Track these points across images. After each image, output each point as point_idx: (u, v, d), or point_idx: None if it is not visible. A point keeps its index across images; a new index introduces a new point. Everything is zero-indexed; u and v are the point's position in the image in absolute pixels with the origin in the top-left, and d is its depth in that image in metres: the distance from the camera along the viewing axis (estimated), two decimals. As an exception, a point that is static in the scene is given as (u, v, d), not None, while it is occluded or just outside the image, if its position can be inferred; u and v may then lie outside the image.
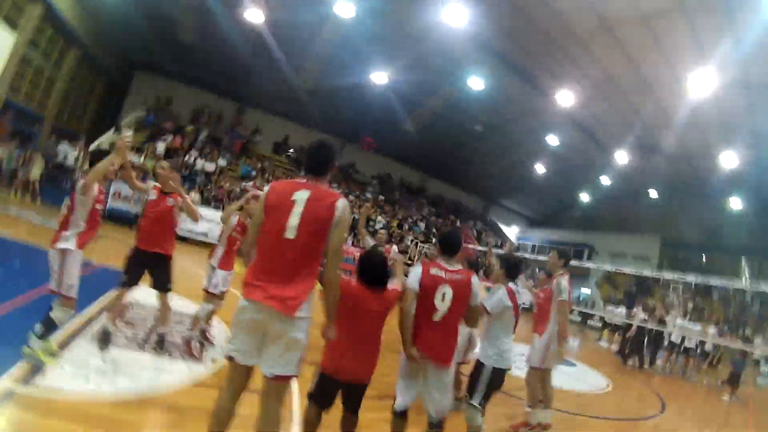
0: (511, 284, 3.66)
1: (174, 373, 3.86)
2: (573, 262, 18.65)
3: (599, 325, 18.83)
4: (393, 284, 3.00)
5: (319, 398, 2.83)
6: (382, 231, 6.97)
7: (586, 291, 26.90)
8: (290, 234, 2.20)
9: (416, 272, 3.03)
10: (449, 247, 3.16)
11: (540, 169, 24.54)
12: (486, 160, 24.85)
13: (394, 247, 7.63)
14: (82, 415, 2.81)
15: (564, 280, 4.49)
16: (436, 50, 15.62)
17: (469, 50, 15.43)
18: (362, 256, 2.95)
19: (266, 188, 2.42)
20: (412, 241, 20.82)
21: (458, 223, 26.48)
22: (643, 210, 25.44)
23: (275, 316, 2.16)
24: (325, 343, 2.72)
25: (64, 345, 3.77)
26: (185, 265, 9.79)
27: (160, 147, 16.93)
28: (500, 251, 12.40)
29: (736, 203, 21.95)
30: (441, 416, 3.06)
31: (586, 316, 21.82)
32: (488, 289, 4.00)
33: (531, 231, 33.34)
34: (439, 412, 3.04)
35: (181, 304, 6.11)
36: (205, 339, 4.76)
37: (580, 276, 26.94)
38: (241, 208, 4.97)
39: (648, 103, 15.34)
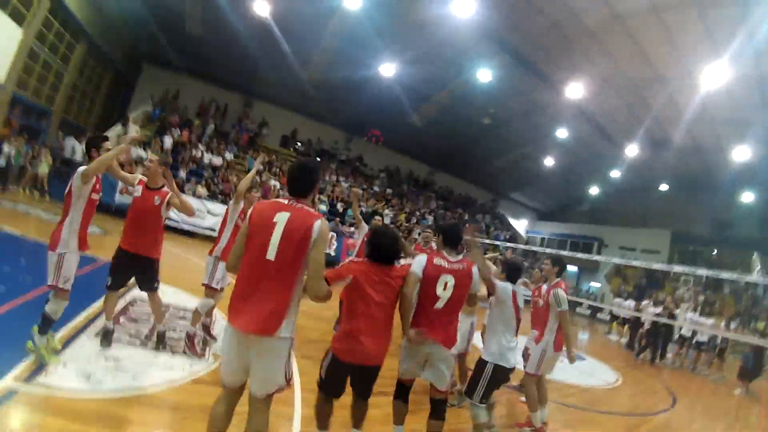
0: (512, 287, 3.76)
1: (175, 370, 3.84)
2: (582, 256, 18.60)
3: (608, 318, 18.68)
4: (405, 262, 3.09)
5: (331, 385, 2.82)
6: (378, 217, 6.91)
7: (595, 284, 26.76)
8: (271, 255, 2.26)
9: (420, 260, 3.09)
10: (452, 239, 3.24)
11: (549, 162, 24.32)
12: (495, 153, 24.66)
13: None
14: (83, 413, 2.82)
15: (561, 291, 4.46)
16: (443, 42, 15.47)
17: (477, 42, 15.26)
18: (373, 233, 2.93)
19: (251, 210, 2.45)
20: (419, 234, 20.72)
21: (466, 217, 26.35)
22: (653, 203, 25.21)
23: (258, 340, 2.23)
24: (337, 329, 2.75)
25: (66, 342, 3.78)
26: (191, 259, 9.84)
27: (168, 141, 16.93)
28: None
29: (747, 197, 21.71)
30: (444, 388, 3.17)
31: (595, 310, 21.67)
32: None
33: (540, 224, 33.15)
34: (442, 385, 3.14)
35: (185, 298, 6.15)
36: (207, 334, 4.74)
37: (589, 269, 26.91)
38: (248, 192, 4.82)
39: (659, 97, 15.12)
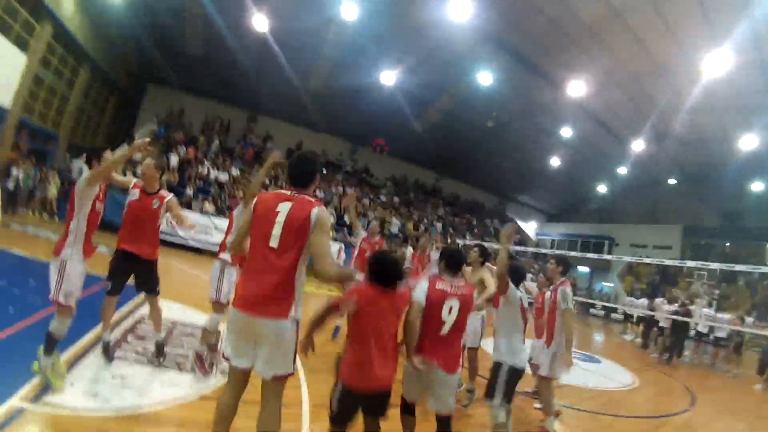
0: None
1: (182, 387, 3.82)
2: (593, 255, 18.39)
3: (621, 317, 18.41)
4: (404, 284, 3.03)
5: (343, 417, 2.76)
6: (374, 223, 6.91)
7: (608, 284, 26.43)
8: (274, 243, 2.39)
9: (422, 287, 3.11)
10: (453, 264, 3.27)
11: (555, 162, 24.16)
12: (500, 156, 24.57)
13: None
14: (89, 431, 2.83)
15: (567, 289, 4.47)
16: (442, 47, 15.50)
17: (476, 45, 15.28)
18: (374, 258, 2.89)
19: (255, 199, 2.57)
20: (427, 241, 20.60)
21: (474, 222, 26.22)
22: (662, 199, 24.93)
23: (264, 323, 2.34)
24: (343, 356, 2.71)
25: (73, 361, 3.76)
26: (199, 275, 9.83)
27: (174, 159, 17.11)
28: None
29: (757, 186, 21.40)
30: (448, 414, 3.15)
31: (609, 310, 21.37)
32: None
33: (550, 226, 32.88)
34: (444, 411, 3.13)
35: (192, 315, 6.12)
36: (214, 352, 4.66)
37: (602, 269, 26.62)
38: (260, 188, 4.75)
39: (662, 89, 15.00)
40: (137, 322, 5.37)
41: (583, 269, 27.95)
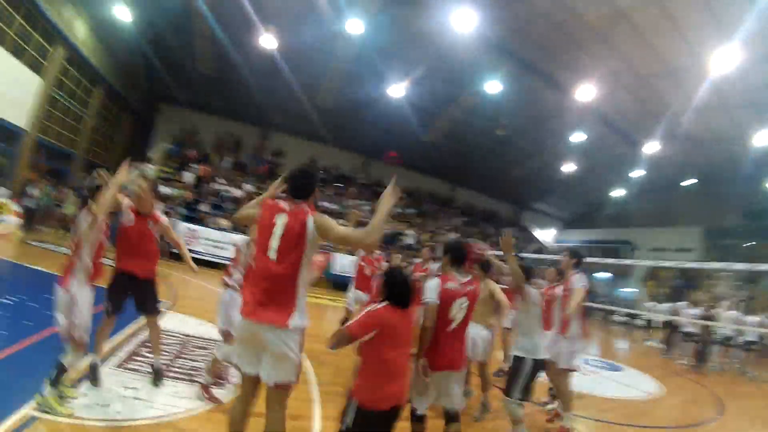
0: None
1: (193, 399, 3.80)
2: (611, 261, 18.04)
3: (644, 324, 17.96)
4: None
5: None
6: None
7: (630, 290, 25.90)
8: (272, 254, 2.47)
9: (432, 287, 3.11)
10: (458, 257, 3.31)
11: (569, 168, 23.82)
12: (513, 164, 24.35)
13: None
14: None
15: (583, 275, 4.53)
16: (449, 57, 15.55)
17: (482, 54, 15.27)
18: (386, 276, 2.83)
19: (261, 208, 2.68)
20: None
21: (492, 231, 25.97)
22: (680, 200, 24.40)
23: (268, 330, 2.41)
24: (357, 376, 2.65)
25: (85, 375, 3.75)
26: (215, 290, 9.84)
27: (188, 176, 17.38)
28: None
29: (777, 182, 20.74)
30: (457, 409, 3.25)
31: (631, 317, 20.86)
32: None
33: (568, 233, 32.44)
34: (454, 407, 3.22)
35: (208, 329, 6.11)
36: (221, 380, 4.39)
37: (622, 275, 26.13)
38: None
39: (672, 89, 14.75)
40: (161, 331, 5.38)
41: (603, 275, 27.45)
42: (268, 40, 15.57)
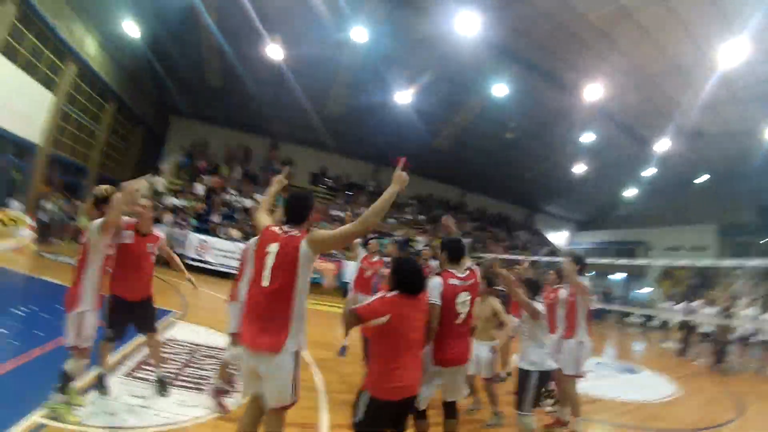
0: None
1: (200, 408, 3.82)
2: (624, 261, 17.70)
3: (660, 325, 17.62)
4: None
5: (370, 426, 2.67)
6: (373, 242, 6.77)
7: (645, 290, 25.50)
8: (265, 282, 2.54)
9: (435, 287, 3.16)
10: (456, 253, 3.40)
11: (580, 169, 23.53)
12: (523, 167, 24.12)
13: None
14: None
15: (586, 279, 4.57)
16: (454, 62, 15.53)
17: (488, 57, 15.21)
18: (397, 265, 2.87)
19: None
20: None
21: (501, 235, 25.80)
22: (694, 198, 23.95)
23: (260, 357, 2.48)
24: (370, 368, 2.67)
25: (93, 384, 3.80)
26: (225, 299, 9.90)
27: (200, 188, 17.59)
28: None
29: (792, 176, 20.24)
30: (461, 398, 3.41)
31: (647, 318, 20.52)
32: None
33: (581, 235, 31.97)
34: (458, 398, 3.37)
35: (218, 339, 6.10)
36: (231, 385, 4.34)
37: (637, 275, 25.73)
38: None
39: (680, 86, 14.49)
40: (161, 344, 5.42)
41: (618, 276, 27.03)
42: (274, 51, 15.72)
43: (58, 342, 4.34)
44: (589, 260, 15.58)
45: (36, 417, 3.07)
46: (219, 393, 3.98)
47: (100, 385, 3.74)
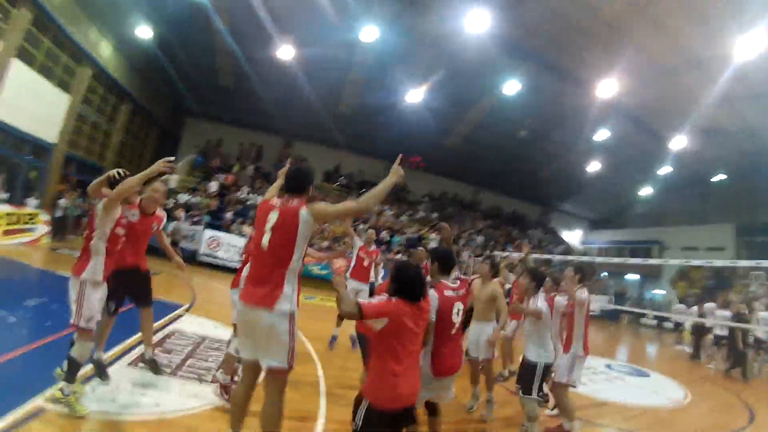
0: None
1: (199, 398, 3.87)
2: (639, 261, 17.37)
3: (673, 327, 17.27)
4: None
5: None
6: (371, 231, 6.81)
7: (660, 292, 25.01)
8: (264, 246, 2.70)
9: (432, 302, 3.14)
10: (447, 264, 3.45)
11: (595, 167, 23.24)
12: (537, 164, 23.97)
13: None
14: None
15: (585, 291, 4.60)
16: (465, 60, 15.52)
17: (499, 54, 15.15)
18: (397, 270, 2.79)
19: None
20: (468, 256, 20.31)
21: (515, 233, 25.56)
22: (711, 197, 23.43)
23: (259, 312, 2.61)
24: (370, 377, 2.65)
25: (95, 370, 3.87)
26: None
27: (213, 186, 17.84)
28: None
29: (812, 175, 19.65)
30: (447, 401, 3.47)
31: (661, 320, 20.15)
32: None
33: (595, 233, 31.51)
34: (444, 402, 3.44)
35: (224, 331, 6.16)
36: (236, 378, 4.39)
37: (652, 276, 25.31)
38: None
39: (696, 80, 14.21)
40: (167, 336, 5.56)
41: (632, 277, 26.60)
42: (285, 51, 15.91)
43: (64, 333, 4.49)
44: (601, 260, 15.48)
45: (39, 401, 3.17)
46: (224, 389, 3.94)
47: (99, 371, 3.82)
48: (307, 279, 14.42)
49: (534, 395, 4.07)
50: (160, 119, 21.27)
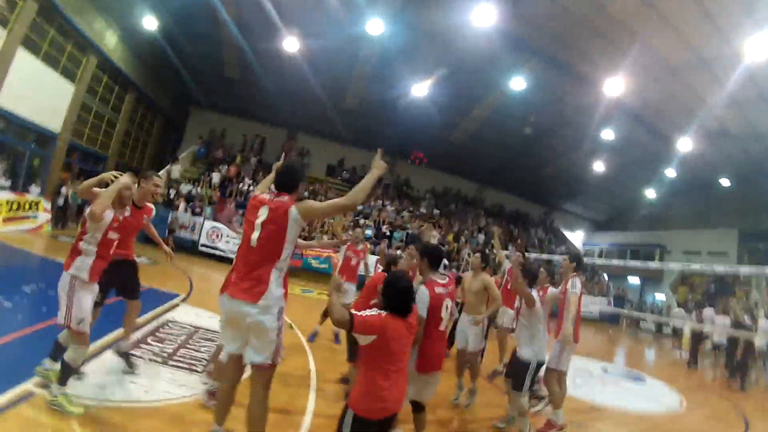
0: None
1: (188, 387, 3.90)
2: (639, 264, 17.23)
3: (671, 332, 17.12)
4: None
5: None
6: (358, 230, 6.80)
7: (660, 296, 24.86)
8: (253, 242, 2.71)
9: (423, 299, 3.24)
10: (436, 260, 3.50)
11: (599, 167, 22.93)
12: (542, 163, 23.74)
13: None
14: (93, 420, 3.03)
15: (577, 280, 4.66)
16: (470, 55, 15.40)
17: (505, 50, 15.04)
18: (388, 283, 2.76)
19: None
20: (469, 254, 20.27)
21: (517, 232, 25.49)
22: (715, 201, 23.21)
23: (244, 306, 2.61)
24: (356, 386, 2.62)
25: (92, 356, 3.95)
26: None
27: (216, 177, 17.87)
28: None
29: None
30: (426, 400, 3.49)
31: (660, 325, 20.03)
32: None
33: (597, 235, 31.33)
34: (426, 399, 3.45)
35: (216, 324, 6.20)
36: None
37: (653, 280, 25.13)
38: None
39: (705, 81, 14.03)
40: (160, 325, 5.59)
41: (633, 280, 26.49)
42: (291, 44, 15.85)
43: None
44: (602, 262, 15.38)
45: (28, 385, 3.23)
46: (211, 395, 3.69)
47: (126, 362, 3.92)
48: (305, 272, 14.49)
49: (524, 392, 4.15)
50: (165, 109, 21.30)
